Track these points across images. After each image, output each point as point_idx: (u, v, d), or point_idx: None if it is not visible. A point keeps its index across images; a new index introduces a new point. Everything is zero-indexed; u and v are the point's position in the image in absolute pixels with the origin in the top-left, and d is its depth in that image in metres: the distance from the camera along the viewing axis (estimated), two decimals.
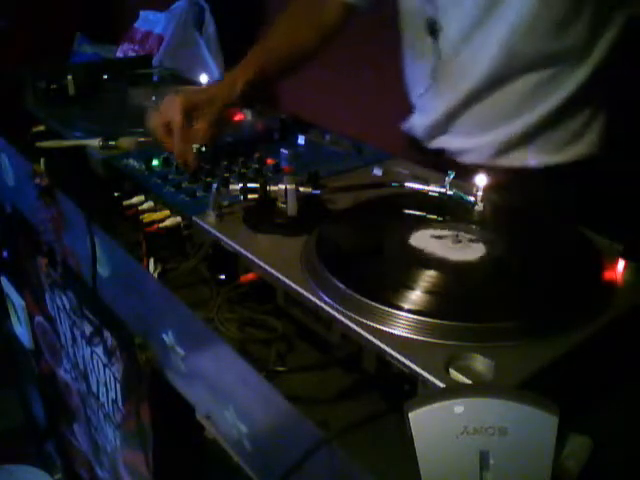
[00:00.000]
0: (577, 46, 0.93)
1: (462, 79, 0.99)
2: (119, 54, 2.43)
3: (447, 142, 1.07)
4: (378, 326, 0.52)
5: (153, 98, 1.16)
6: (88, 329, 0.95)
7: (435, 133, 1.08)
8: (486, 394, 0.42)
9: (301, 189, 0.70)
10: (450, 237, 0.64)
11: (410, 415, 0.42)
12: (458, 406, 0.42)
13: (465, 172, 0.76)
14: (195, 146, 0.87)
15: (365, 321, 0.53)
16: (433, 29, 0.97)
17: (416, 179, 0.80)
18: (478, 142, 1.03)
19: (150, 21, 2.45)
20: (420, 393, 0.48)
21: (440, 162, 1.00)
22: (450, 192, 0.71)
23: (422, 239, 0.65)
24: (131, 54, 2.35)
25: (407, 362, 0.49)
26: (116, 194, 0.84)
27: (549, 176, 0.99)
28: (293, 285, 0.59)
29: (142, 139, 0.97)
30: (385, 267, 0.62)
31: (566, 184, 0.98)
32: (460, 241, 0.64)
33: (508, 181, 0.80)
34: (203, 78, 1.24)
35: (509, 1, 0.90)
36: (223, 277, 0.67)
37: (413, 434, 0.42)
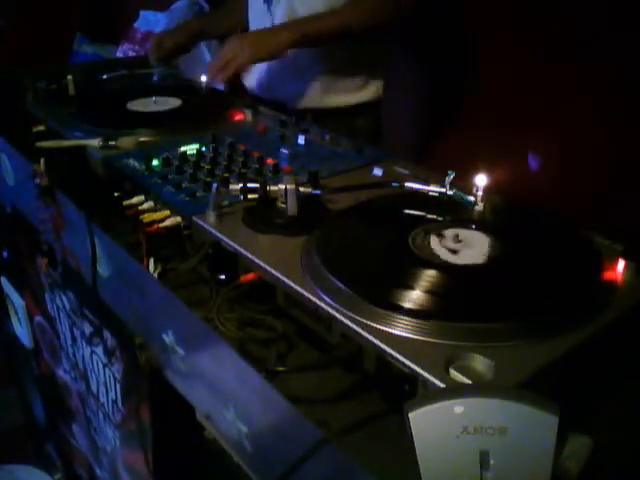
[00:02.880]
0: None
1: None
2: (119, 54, 2.43)
3: (280, 90, 1.37)
4: (378, 326, 0.52)
5: (153, 99, 1.16)
6: (88, 329, 0.95)
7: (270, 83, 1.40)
8: (486, 394, 0.42)
9: (301, 189, 0.70)
10: (450, 237, 0.64)
11: (410, 415, 0.42)
12: (458, 406, 0.42)
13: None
14: None
15: (365, 321, 0.53)
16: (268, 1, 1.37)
17: (416, 179, 0.80)
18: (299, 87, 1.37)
19: (150, 21, 2.45)
20: (420, 393, 0.48)
21: (280, 109, 1.21)
22: (450, 192, 0.71)
23: (422, 239, 0.65)
24: (131, 54, 2.35)
25: (407, 362, 0.49)
26: (116, 194, 0.84)
27: (352, 112, 1.39)
28: (293, 285, 0.59)
29: (142, 139, 0.97)
30: (385, 267, 0.62)
31: (361, 118, 1.40)
32: (460, 241, 0.64)
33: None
34: (203, 78, 1.24)
35: None
36: (223, 277, 0.67)
37: (413, 434, 0.42)
